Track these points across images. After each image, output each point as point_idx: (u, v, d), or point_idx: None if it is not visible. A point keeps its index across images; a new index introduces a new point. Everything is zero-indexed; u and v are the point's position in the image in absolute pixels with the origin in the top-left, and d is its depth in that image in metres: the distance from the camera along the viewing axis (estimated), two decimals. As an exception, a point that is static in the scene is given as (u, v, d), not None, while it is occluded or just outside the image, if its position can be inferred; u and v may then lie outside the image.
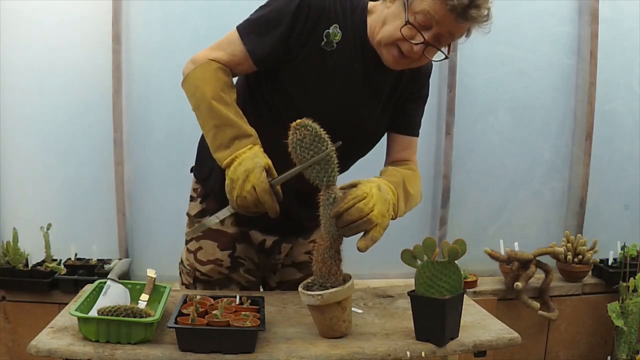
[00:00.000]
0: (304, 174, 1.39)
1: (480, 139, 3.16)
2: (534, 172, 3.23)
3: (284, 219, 1.61)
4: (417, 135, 1.77)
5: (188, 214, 1.80)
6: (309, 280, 1.44)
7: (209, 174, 1.73)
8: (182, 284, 1.81)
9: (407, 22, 1.45)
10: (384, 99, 1.66)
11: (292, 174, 1.41)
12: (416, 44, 1.47)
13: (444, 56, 1.54)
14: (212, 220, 1.52)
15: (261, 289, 1.89)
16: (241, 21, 1.57)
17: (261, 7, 1.57)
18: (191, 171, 1.83)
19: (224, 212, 1.49)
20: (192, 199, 1.79)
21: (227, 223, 1.72)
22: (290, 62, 1.54)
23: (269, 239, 1.75)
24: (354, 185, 1.44)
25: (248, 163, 1.42)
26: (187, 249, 1.78)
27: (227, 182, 1.44)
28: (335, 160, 1.38)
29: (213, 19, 2.81)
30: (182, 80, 1.59)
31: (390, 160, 1.73)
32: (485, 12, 1.51)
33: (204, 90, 1.51)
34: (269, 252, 1.77)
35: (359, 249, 1.39)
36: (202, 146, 1.79)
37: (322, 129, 1.36)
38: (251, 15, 1.57)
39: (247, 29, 1.55)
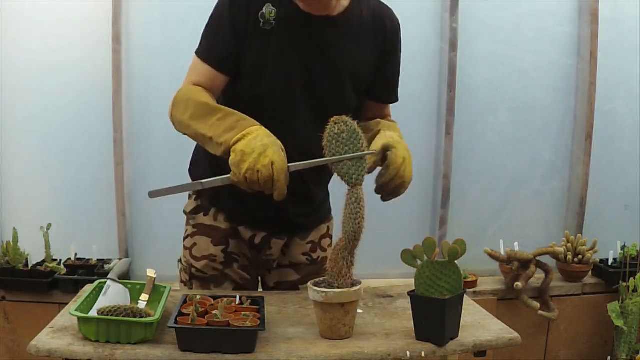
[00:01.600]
0: (330, 167, 1.40)
1: (480, 139, 3.16)
2: (534, 172, 3.22)
3: (271, 213, 1.62)
4: (396, 100, 1.80)
5: (184, 212, 1.82)
6: (321, 278, 1.44)
7: (202, 173, 1.73)
8: (181, 281, 1.82)
9: None
10: (341, 60, 1.63)
11: (318, 164, 1.42)
12: None
13: None
14: (200, 187, 1.48)
15: (260, 289, 1.89)
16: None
17: (206, 24, 1.64)
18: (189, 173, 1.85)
19: (217, 181, 1.45)
20: (189, 196, 1.82)
21: (219, 219, 1.74)
22: (244, 52, 1.58)
23: (258, 235, 1.75)
24: (387, 149, 1.51)
25: (265, 139, 1.41)
26: (184, 246, 1.79)
27: (233, 156, 1.40)
28: (366, 163, 1.40)
29: (213, 19, 2.81)
30: (170, 112, 1.60)
31: (369, 116, 1.74)
32: None
33: (197, 97, 1.54)
34: (259, 248, 1.77)
35: (384, 201, 1.55)
36: (198, 148, 1.81)
37: (359, 127, 1.40)
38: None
39: (201, 47, 1.63)
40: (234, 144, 1.41)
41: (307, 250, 1.82)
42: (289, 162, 1.42)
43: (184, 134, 1.61)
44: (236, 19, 1.56)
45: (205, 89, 1.59)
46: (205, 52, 1.61)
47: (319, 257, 1.83)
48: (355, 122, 1.40)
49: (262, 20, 1.55)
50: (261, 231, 1.74)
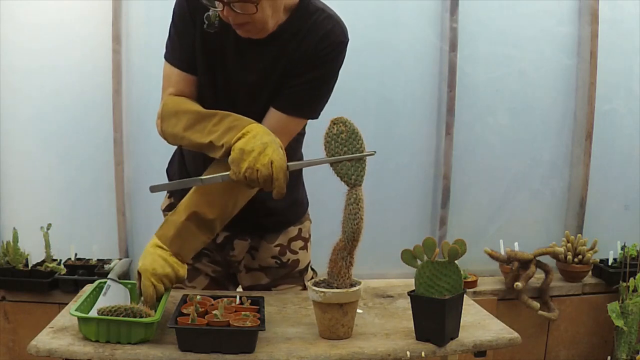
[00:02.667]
0: (331, 168, 1.40)
1: (480, 139, 3.16)
2: (534, 172, 3.22)
3: (235, 216, 1.60)
4: (288, 113, 1.60)
5: (161, 209, 1.85)
6: (321, 278, 1.44)
7: (175, 171, 1.79)
8: None
9: None
10: (268, 75, 1.60)
11: (316, 164, 1.42)
12: (220, 10, 1.46)
13: (254, 10, 1.46)
14: (200, 184, 1.48)
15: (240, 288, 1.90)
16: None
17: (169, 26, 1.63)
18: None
19: (217, 178, 1.45)
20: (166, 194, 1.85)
21: None
22: (198, 55, 1.59)
23: (220, 234, 1.75)
24: None
25: (265, 137, 1.40)
26: None
27: (233, 154, 1.40)
28: (365, 163, 1.40)
29: (213, 19, 2.81)
30: (161, 128, 1.60)
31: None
32: None
33: (186, 107, 1.54)
34: (221, 247, 1.77)
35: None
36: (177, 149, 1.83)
37: (358, 128, 1.39)
38: None
39: (168, 52, 1.63)
40: (235, 142, 1.41)
41: (275, 253, 1.80)
42: None
43: (179, 145, 1.62)
44: (194, 21, 1.56)
45: (186, 96, 1.60)
46: (173, 57, 1.61)
47: (289, 259, 1.81)
48: (353, 122, 1.39)
49: (206, 22, 1.53)
50: (223, 230, 1.73)
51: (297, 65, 1.58)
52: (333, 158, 1.38)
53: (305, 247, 1.84)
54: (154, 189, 1.51)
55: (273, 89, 1.60)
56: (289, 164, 1.41)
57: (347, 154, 1.38)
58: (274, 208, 1.75)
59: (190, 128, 1.51)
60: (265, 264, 1.80)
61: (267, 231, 1.79)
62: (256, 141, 1.39)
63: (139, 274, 1.48)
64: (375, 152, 1.44)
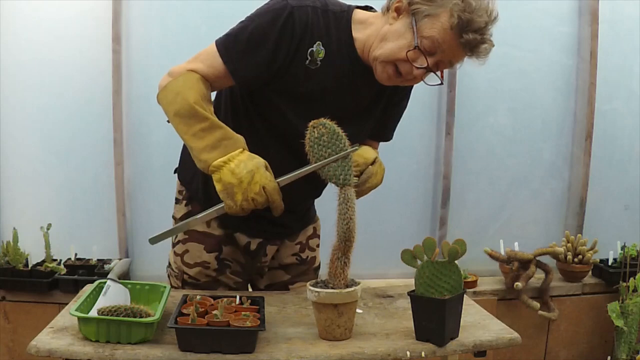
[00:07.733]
0: (318, 173, 1.39)
1: (480, 139, 3.16)
2: (534, 172, 3.22)
3: (268, 222, 1.62)
4: (387, 140, 1.81)
5: (174, 217, 1.80)
6: (322, 278, 1.45)
7: (192, 177, 1.73)
8: (173, 287, 1.80)
9: (417, 47, 1.45)
10: (369, 108, 1.66)
11: (306, 172, 1.40)
12: (418, 67, 1.46)
13: (438, 81, 1.52)
14: (198, 222, 1.47)
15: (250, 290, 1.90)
16: (220, 36, 1.53)
17: (242, 23, 1.52)
18: (175, 172, 1.84)
19: (212, 213, 1.44)
20: (177, 201, 1.79)
21: (213, 225, 1.72)
22: (276, 81, 1.52)
23: (253, 242, 1.74)
24: (373, 162, 1.60)
25: (249, 164, 1.39)
26: (174, 252, 1.77)
27: (220, 186, 1.39)
28: (352, 161, 1.39)
29: (213, 19, 2.81)
30: (158, 92, 1.52)
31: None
32: (490, 49, 1.54)
33: (187, 95, 1.45)
34: (255, 254, 1.76)
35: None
36: (185, 149, 1.80)
37: (339, 128, 1.38)
38: (231, 29, 1.52)
39: (227, 45, 1.50)
40: (214, 169, 1.40)
41: (296, 250, 1.82)
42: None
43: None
44: (281, 51, 1.48)
45: (208, 79, 1.51)
46: (231, 60, 1.49)
47: (307, 256, 1.84)
48: (334, 123, 1.39)
49: (309, 58, 1.50)
50: (257, 237, 1.74)
51: (390, 97, 1.67)
52: (319, 163, 1.38)
53: (319, 245, 1.88)
54: (153, 240, 1.44)
55: (374, 119, 1.67)
56: (279, 180, 1.41)
57: (333, 155, 1.38)
58: (302, 211, 1.79)
59: (180, 117, 1.45)
60: (286, 261, 1.83)
61: (293, 232, 1.81)
62: (242, 170, 1.38)
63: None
64: (358, 146, 1.44)
